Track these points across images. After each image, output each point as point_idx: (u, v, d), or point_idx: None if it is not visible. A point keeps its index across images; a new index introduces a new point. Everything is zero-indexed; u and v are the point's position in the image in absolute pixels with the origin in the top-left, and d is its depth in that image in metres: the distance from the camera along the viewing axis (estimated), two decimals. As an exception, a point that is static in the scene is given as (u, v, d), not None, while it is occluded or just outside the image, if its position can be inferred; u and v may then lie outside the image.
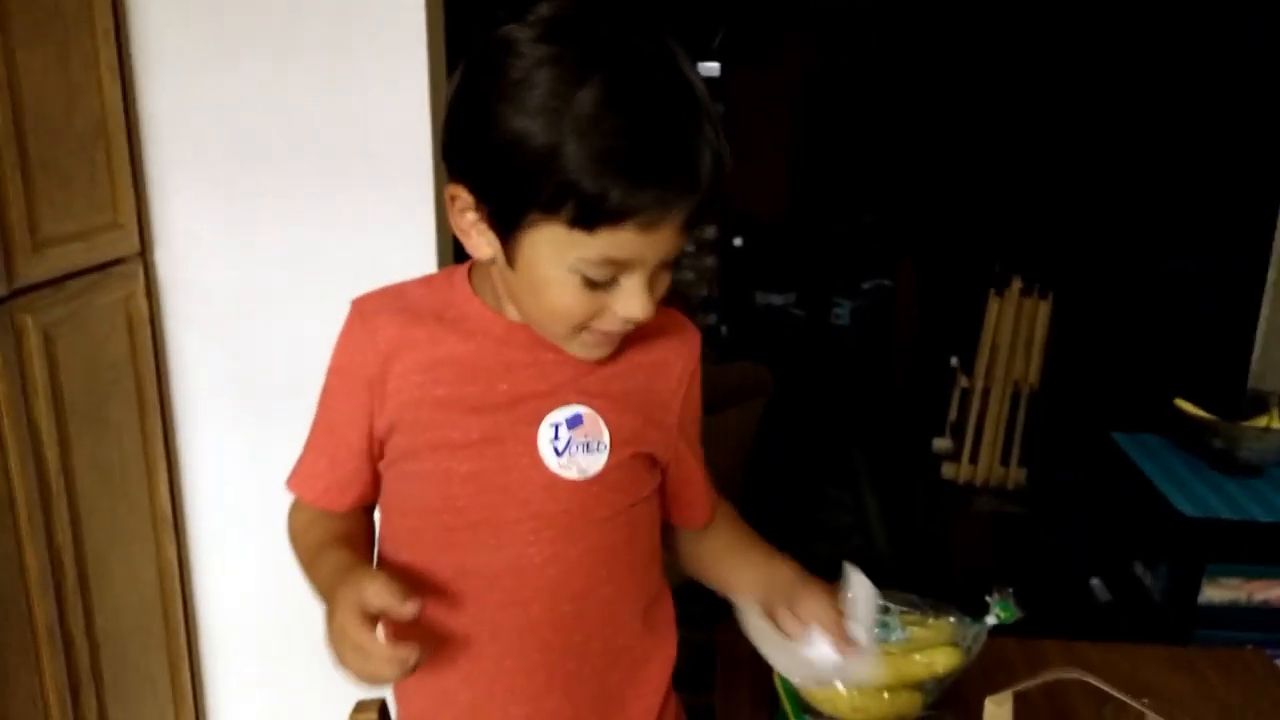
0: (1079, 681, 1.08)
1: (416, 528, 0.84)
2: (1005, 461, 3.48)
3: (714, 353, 3.79)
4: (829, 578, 1.02)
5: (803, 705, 1.17)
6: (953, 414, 3.77)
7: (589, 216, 0.71)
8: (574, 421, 0.82)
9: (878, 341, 4.29)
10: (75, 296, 1.49)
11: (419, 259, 1.68)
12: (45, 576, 1.43)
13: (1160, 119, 2.85)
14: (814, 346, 4.23)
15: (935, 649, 1.20)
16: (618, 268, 0.74)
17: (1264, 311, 2.31)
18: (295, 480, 0.90)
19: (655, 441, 0.88)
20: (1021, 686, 1.11)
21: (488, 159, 0.73)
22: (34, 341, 1.40)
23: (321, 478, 0.88)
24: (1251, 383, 2.32)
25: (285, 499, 1.77)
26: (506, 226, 0.75)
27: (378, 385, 0.83)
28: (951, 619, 1.24)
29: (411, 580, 0.82)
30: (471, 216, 0.78)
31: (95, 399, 1.54)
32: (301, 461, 0.90)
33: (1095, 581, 2.23)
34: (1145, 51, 2.99)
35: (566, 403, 0.83)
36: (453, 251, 1.75)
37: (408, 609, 0.71)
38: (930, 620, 1.24)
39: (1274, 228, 2.27)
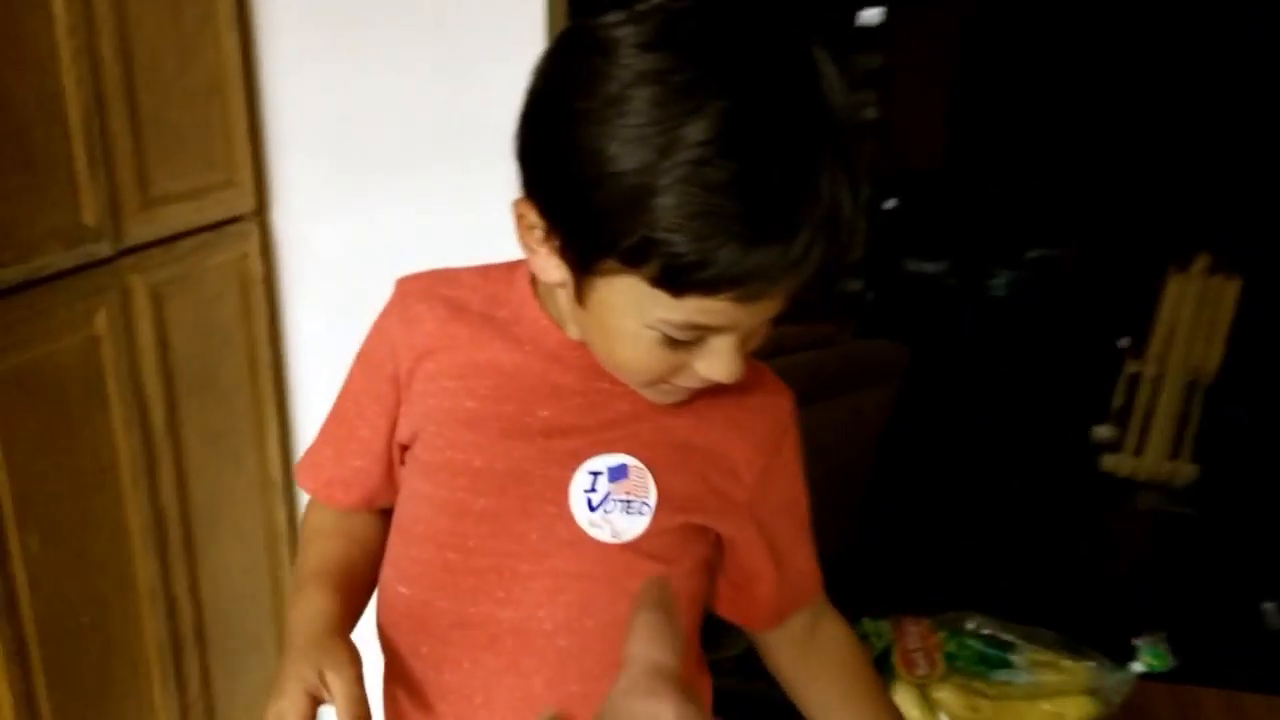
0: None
1: (419, 559, 0.74)
2: (1174, 455, 3.19)
3: (853, 322, 3.60)
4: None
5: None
6: (1118, 400, 3.48)
7: (677, 281, 0.59)
8: (617, 473, 0.70)
9: (1038, 317, 3.99)
10: (186, 256, 1.48)
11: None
12: (148, 538, 1.44)
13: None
14: (966, 320, 3.96)
15: (1067, 697, 1.05)
16: (706, 330, 0.62)
17: None
18: (301, 466, 0.82)
19: (713, 513, 0.74)
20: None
21: (564, 186, 0.61)
22: (142, 302, 1.39)
23: (325, 469, 0.79)
24: None
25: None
26: (579, 266, 0.63)
27: (405, 384, 0.74)
28: (1091, 663, 1.09)
29: (407, 619, 0.74)
30: (540, 235, 0.65)
31: (205, 361, 1.53)
32: (311, 447, 0.81)
33: (1269, 606, 1.98)
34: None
35: (613, 449, 0.70)
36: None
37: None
38: (1065, 662, 1.09)
39: None
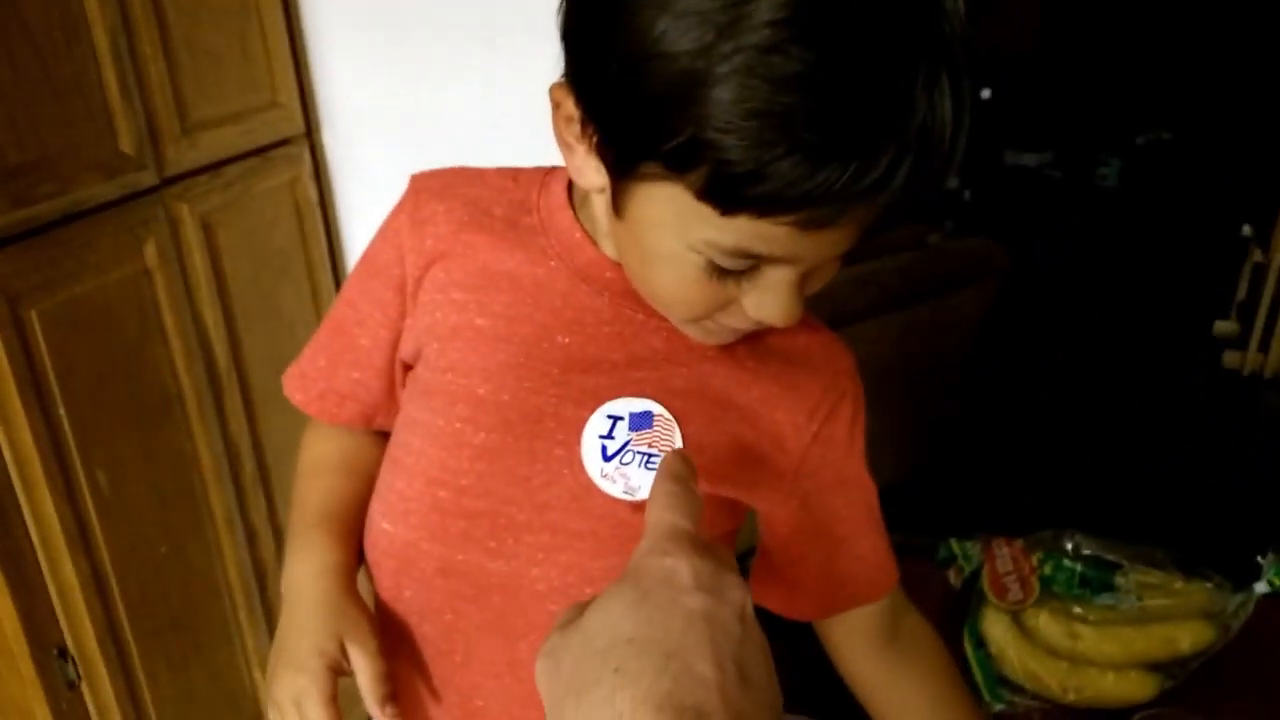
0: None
1: (406, 494, 0.65)
2: (1305, 350, 2.96)
3: (951, 223, 3.41)
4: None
5: (997, 677, 0.97)
6: (1241, 293, 3.24)
7: (728, 195, 0.48)
8: (640, 420, 0.61)
9: (1153, 207, 3.72)
10: (234, 183, 1.44)
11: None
12: (221, 469, 1.43)
13: None
14: (1074, 214, 3.71)
15: (1180, 622, 0.95)
16: (760, 259, 0.52)
17: None
18: (288, 376, 0.73)
19: (747, 484, 0.64)
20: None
21: (606, 68, 0.50)
22: (192, 231, 1.37)
23: (317, 381, 0.71)
24: None
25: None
26: (618, 168, 0.53)
27: (411, 292, 0.65)
28: (1208, 584, 0.98)
29: (393, 561, 0.67)
30: (578, 130, 0.55)
31: (263, 289, 1.51)
32: (301, 356, 0.73)
33: None
34: None
35: (639, 392, 0.61)
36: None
37: (386, 715, 0.60)
38: (1178, 584, 0.99)
39: None
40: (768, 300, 0.53)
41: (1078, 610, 0.97)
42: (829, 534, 0.67)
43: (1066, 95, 3.79)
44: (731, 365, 0.62)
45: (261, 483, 1.53)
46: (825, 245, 0.51)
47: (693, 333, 0.59)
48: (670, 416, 0.61)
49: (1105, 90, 3.77)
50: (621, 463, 0.60)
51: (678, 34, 0.46)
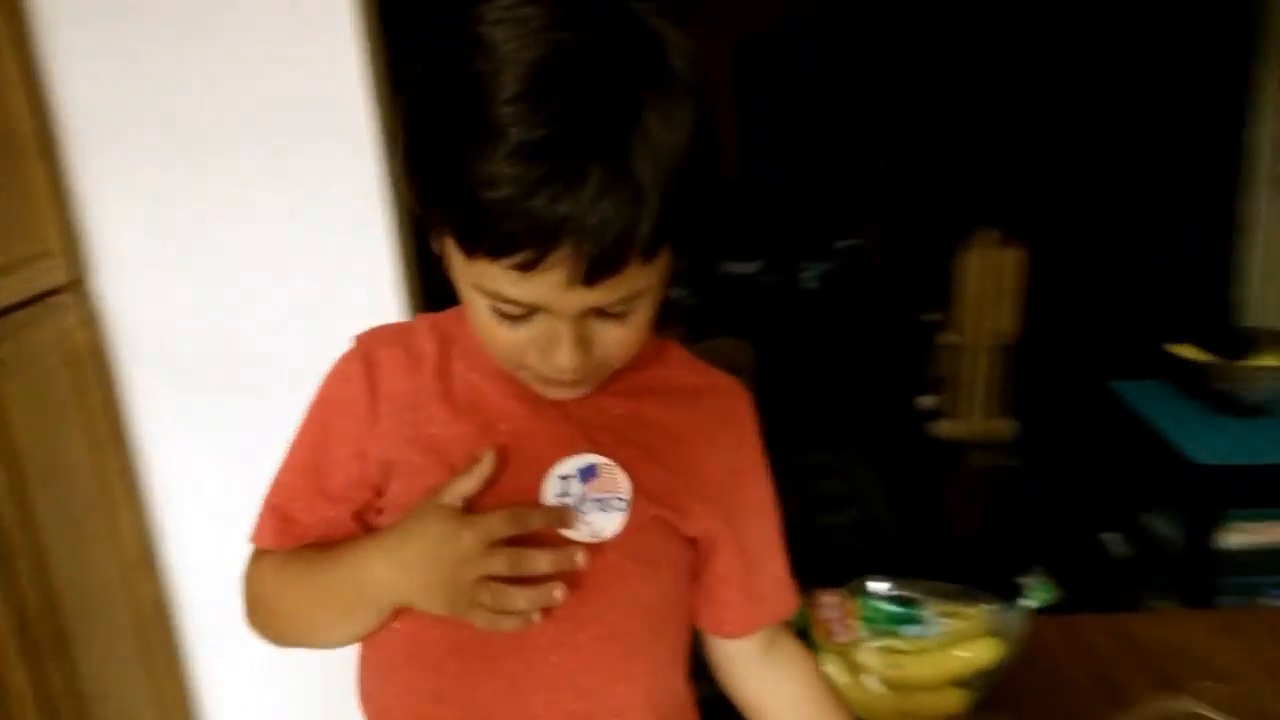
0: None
1: None
2: (992, 415, 3.44)
3: (687, 330, 3.70)
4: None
5: (842, 715, 1.09)
6: (936, 370, 3.72)
7: (459, 238, 0.59)
8: (587, 473, 0.69)
9: (854, 302, 4.22)
10: (16, 334, 1.36)
11: (376, 266, 1.57)
12: (17, 640, 1.31)
13: (1124, 60, 2.77)
14: (787, 314, 4.14)
15: (975, 641, 1.12)
16: (524, 307, 0.61)
17: (1248, 250, 2.26)
18: (265, 530, 0.76)
19: (682, 506, 0.73)
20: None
21: (403, 149, 0.63)
22: (-28, 386, 1.28)
23: (296, 526, 0.74)
24: (1244, 320, 2.27)
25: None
26: (430, 225, 0.64)
27: (369, 422, 0.72)
28: (987, 606, 1.17)
29: (400, 651, 0.72)
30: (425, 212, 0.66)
31: (44, 442, 1.42)
32: (272, 507, 0.76)
33: (1108, 536, 2.18)
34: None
35: (578, 450, 0.70)
36: (415, 252, 1.64)
37: (487, 462, 0.68)
38: (966, 610, 1.17)
39: (1246, 164, 2.21)
40: (547, 347, 0.63)
41: (895, 643, 1.12)
42: (748, 554, 0.77)
43: (770, 211, 4.26)
44: (643, 416, 0.72)
45: (58, 653, 1.40)
46: (563, 297, 0.59)
47: (538, 388, 0.69)
48: (610, 462, 0.69)
49: (802, 206, 4.28)
50: (582, 512, 0.68)
51: (422, 109, 0.60)
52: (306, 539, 0.74)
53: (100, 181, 1.54)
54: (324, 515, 0.74)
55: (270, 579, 0.75)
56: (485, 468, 0.67)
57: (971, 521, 2.98)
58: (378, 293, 1.59)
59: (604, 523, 0.69)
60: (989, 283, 3.28)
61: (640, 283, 0.61)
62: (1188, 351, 2.03)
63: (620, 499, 0.69)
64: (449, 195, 0.58)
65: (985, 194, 3.60)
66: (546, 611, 0.68)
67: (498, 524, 0.65)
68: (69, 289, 1.51)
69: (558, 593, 0.65)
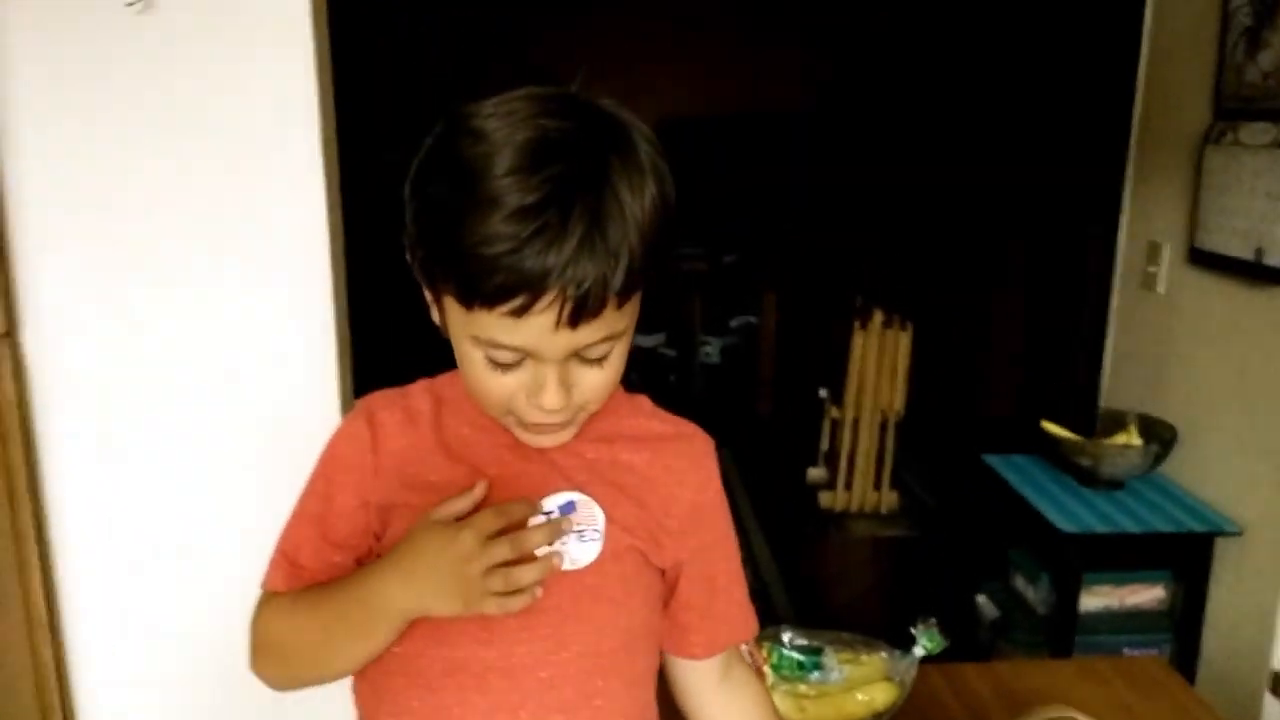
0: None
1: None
2: (878, 487, 3.62)
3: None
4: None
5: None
6: (825, 444, 3.90)
7: (460, 293, 0.70)
8: (566, 508, 0.79)
9: (749, 377, 4.40)
10: (-61, 385, 1.37)
11: (310, 335, 1.63)
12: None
13: (1012, 161, 3.03)
14: (686, 386, 4.30)
15: (873, 685, 1.24)
16: (515, 352, 0.71)
17: (1110, 338, 2.50)
18: (276, 575, 0.83)
19: (653, 539, 0.83)
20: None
21: (407, 217, 0.74)
22: (-104, 438, 1.28)
23: (307, 569, 0.82)
24: (1103, 402, 2.50)
25: (166, 596, 1.69)
26: (430, 288, 0.75)
27: (371, 475, 0.81)
28: (883, 654, 1.28)
29: (400, 675, 0.79)
30: (423, 281, 0.76)
31: (-37, 495, 1.42)
32: (283, 554, 0.83)
33: (981, 598, 2.34)
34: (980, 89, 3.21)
35: (558, 489, 0.79)
36: (348, 318, 1.71)
37: (479, 488, 0.76)
38: (863, 657, 1.28)
39: (1113, 259, 2.46)
40: (535, 391, 0.73)
41: (802, 688, 1.22)
42: (712, 583, 0.87)
43: (670, 289, 4.43)
44: (615, 459, 0.82)
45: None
46: (552, 340, 0.69)
47: (519, 434, 0.79)
48: (588, 498, 0.80)
49: (701, 285, 4.47)
50: (562, 543, 0.78)
51: (420, 182, 0.71)
52: (313, 583, 0.82)
53: (38, 237, 1.56)
54: (329, 561, 0.82)
55: (283, 619, 0.81)
56: (478, 493, 0.77)
57: (853, 585, 3.14)
58: (310, 361, 1.63)
59: (581, 551, 0.79)
60: (879, 361, 3.48)
61: (616, 326, 0.72)
62: (1059, 429, 2.23)
63: (596, 530, 0.79)
64: (452, 256, 0.68)
65: (877, 278, 3.83)
66: (532, 631, 0.77)
67: (489, 519, 0.74)
68: (2, 340, 1.52)
69: (555, 560, 0.76)
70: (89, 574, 1.68)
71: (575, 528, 0.79)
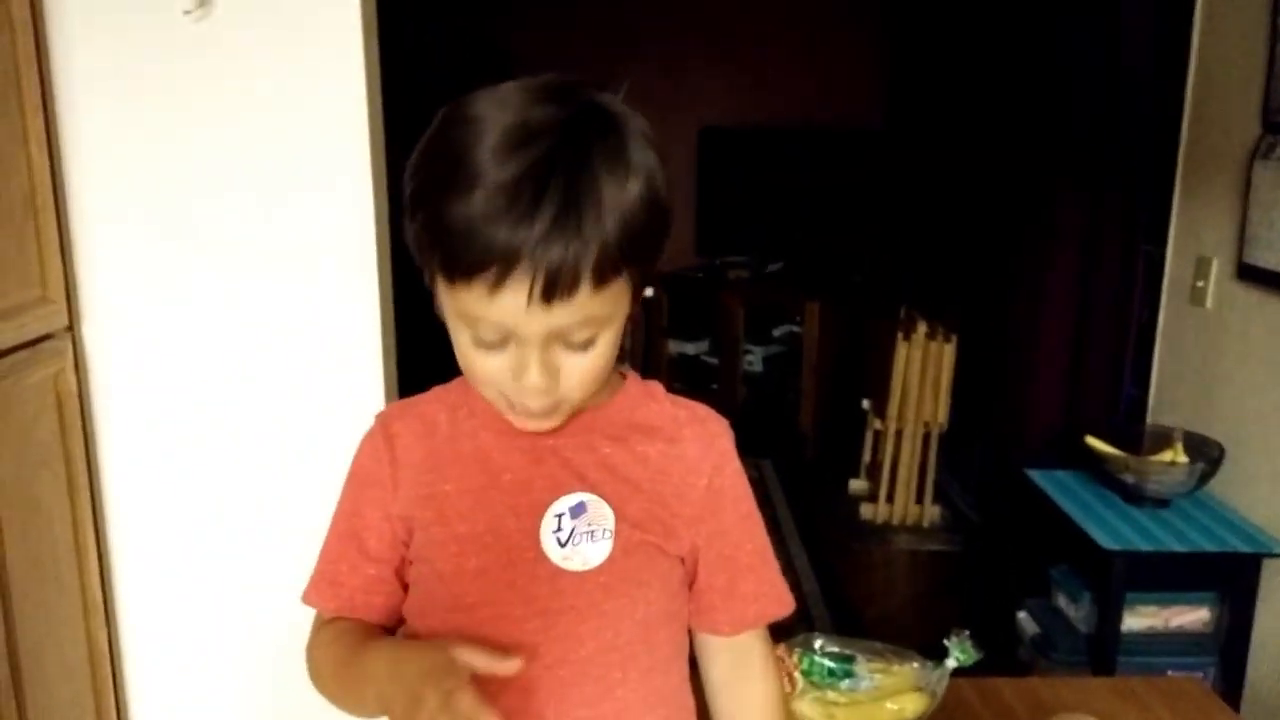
0: None
1: (435, 629, 0.82)
2: (920, 500, 3.60)
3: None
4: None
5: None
6: (867, 455, 3.88)
7: (443, 267, 0.71)
8: (577, 510, 0.80)
9: (791, 387, 4.39)
10: (5, 376, 1.43)
11: (359, 332, 1.67)
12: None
13: (1048, 166, 3.02)
14: (729, 394, 4.30)
15: (903, 695, 1.24)
16: (497, 330, 0.72)
17: (1157, 355, 2.47)
18: (316, 591, 0.86)
19: (666, 529, 0.83)
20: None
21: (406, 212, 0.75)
22: (-36, 425, 1.34)
23: (345, 585, 0.85)
24: (1149, 419, 2.47)
25: (216, 584, 1.74)
26: (428, 277, 0.76)
27: (394, 488, 0.83)
28: (915, 664, 1.28)
29: None
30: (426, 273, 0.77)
31: (25, 481, 1.47)
32: (320, 572, 0.86)
33: (1022, 615, 2.32)
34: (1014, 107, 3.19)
35: (570, 490, 0.81)
36: (394, 318, 1.75)
37: (511, 664, 0.72)
38: (895, 667, 1.28)
39: (1161, 275, 2.43)
40: (518, 372, 0.74)
41: (831, 695, 1.22)
42: (734, 563, 0.88)
43: (715, 296, 4.45)
44: (626, 454, 0.83)
45: (13, 686, 1.44)
46: (526, 317, 0.69)
47: (515, 420, 0.79)
48: (597, 498, 0.81)
49: (747, 292, 4.47)
50: (574, 544, 0.80)
51: (419, 157, 0.73)
52: (355, 598, 0.85)
53: (99, 235, 1.62)
54: (366, 574, 0.85)
55: (321, 654, 0.85)
56: (511, 666, 0.73)
57: (893, 598, 3.12)
58: (360, 360, 1.68)
59: (594, 551, 0.80)
60: (922, 373, 3.47)
61: (595, 310, 0.72)
62: (1104, 445, 2.21)
63: (607, 529, 0.80)
64: (435, 230, 0.70)
65: (922, 289, 3.82)
66: (549, 633, 0.79)
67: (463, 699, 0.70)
68: (62, 334, 1.58)
69: None
70: (143, 561, 1.74)
71: (587, 528, 0.80)
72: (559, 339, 0.73)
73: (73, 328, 1.62)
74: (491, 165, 0.68)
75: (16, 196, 1.45)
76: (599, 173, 0.69)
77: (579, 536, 0.80)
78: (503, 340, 0.73)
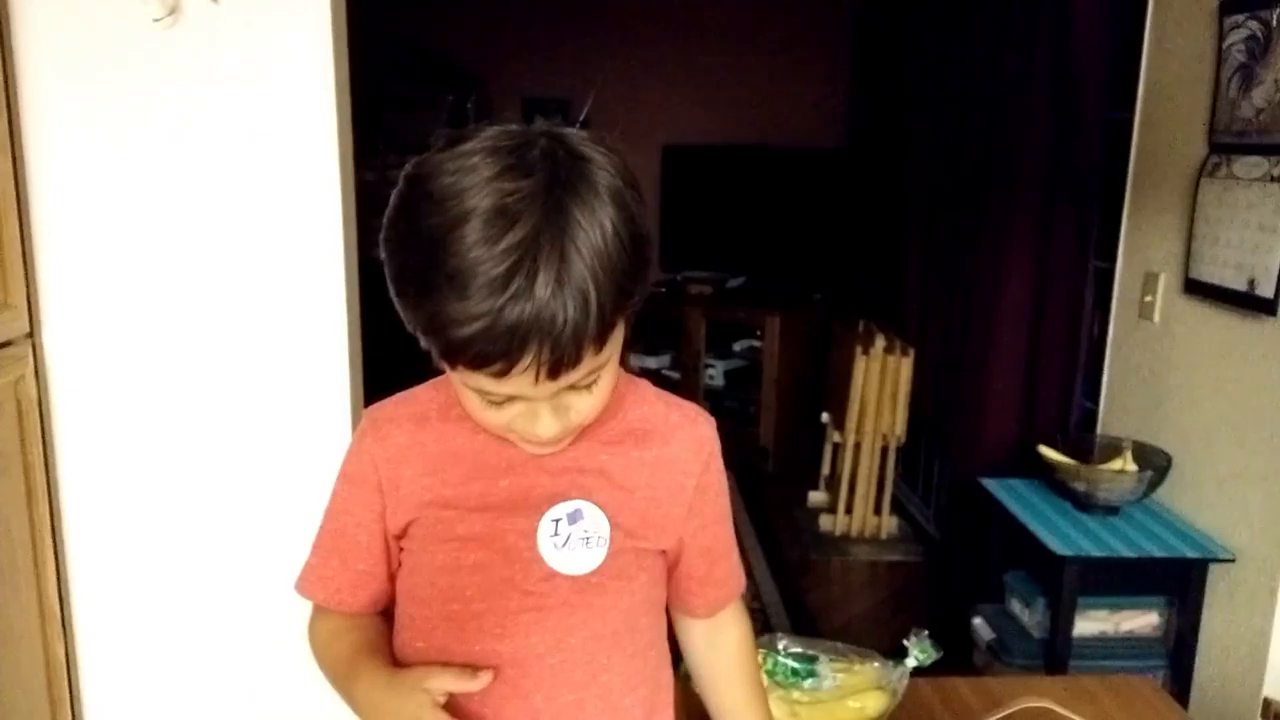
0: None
1: (429, 616, 0.86)
2: (878, 511, 3.65)
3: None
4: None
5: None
6: (826, 468, 3.93)
7: (442, 354, 0.72)
8: (574, 517, 0.83)
9: (751, 401, 4.43)
10: (-35, 382, 1.41)
11: (324, 340, 1.67)
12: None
13: (1000, 184, 3.08)
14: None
15: (865, 693, 1.26)
16: (503, 396, 0.74)
17: (1107, 368, 2.53)
18: (306, 583, 0.89)
19: (658, 530, 0.88)
20: (993, 718, 1.18)
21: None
22: (-78, 431, 1.32)
23: (334, 579, 0.88)
24: (1100, 429, 2.53)
25: (175, 594, 1.72)
26: (425, 345, 0.76)
27: (390, 490, 0.85)
28: (876, 664, 1.31)
29: (422, 670, 0.83)
30: None
31: (-15, 490, 1.46)
32: (310, 566, 0.89)
33: (977, 620, 2.36)
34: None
35: (567, 497, 0.83)
36: (359, 325, 1.75)
37: (481, 679, 0.76)
38: (856, 666, 1.31)
39: (1111, 290, 2.50)
40: (527, 425, 0.77)
41: (795, 695, 1.25)
42: (711, 553, 0.93)
43: (675, 311, 4.49)
44: (622, 459, 0.86)
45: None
46: (536, 389, 0.72)
47: (525, 448, 0.82)
48: (594, 506, 0.84)
49: (707, 308, 4.51)
50: (570, 549, 0.83)
51: (403, 244, 0.72)
52: (343, 593, 0.88)
53: (62, 241, 1.61)
54: (355, 570, 0.88)
55: (320, 647, 0.89)
56: (481, 681, 0.78)
57: (852, 608, 3.16)
58: (325, 369, 1.68)
59: (587, 557, 0.84)
60: (880, 387, 3.52)
61: (599, 361, 0.75)
62: (1056, 454, 2.26)
63: (602, 538, 0.84)
64: (429, 329, 0.71)
65: (880, 304, 3.87)
66: (541, 625, 0.82)
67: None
68: (22, 341, 1.57)
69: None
70: (101, 571, 1.72)
71: (582, 534, 0.83)
72: (567, 389, 0.75)
73: (33, 334, 1.60)
74: (478, 260, 0.67)
75: (-22, 201, 1.44)
76: (581, 237, 0.68)
77: (574, 542, 0.83)
78: (511, 399, 0.75)
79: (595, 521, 0.84)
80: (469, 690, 0.77)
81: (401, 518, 0.85)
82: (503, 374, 0.70)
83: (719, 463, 0.93)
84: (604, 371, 0.77)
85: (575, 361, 0.70)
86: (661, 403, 0.91)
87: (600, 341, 0.71)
